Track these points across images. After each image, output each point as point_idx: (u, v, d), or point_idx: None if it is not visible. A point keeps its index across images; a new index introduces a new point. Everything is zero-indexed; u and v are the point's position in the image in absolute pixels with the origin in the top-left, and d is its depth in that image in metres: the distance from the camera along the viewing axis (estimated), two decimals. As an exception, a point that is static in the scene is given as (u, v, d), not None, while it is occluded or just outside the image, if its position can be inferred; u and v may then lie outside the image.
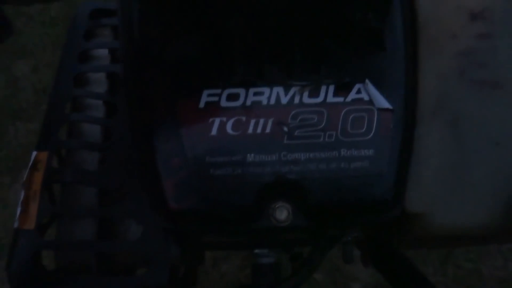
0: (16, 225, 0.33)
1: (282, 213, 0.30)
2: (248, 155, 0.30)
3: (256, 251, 0.42)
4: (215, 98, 0.30)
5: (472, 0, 0.33)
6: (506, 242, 0.38)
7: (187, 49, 0.31)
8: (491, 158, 0.31)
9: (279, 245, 0.42)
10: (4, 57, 1.17)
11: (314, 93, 0.31)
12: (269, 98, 0.30)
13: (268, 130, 0.30)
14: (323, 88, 0.31)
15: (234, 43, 0.30)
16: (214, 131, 0.30)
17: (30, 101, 1.11)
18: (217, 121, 0.30)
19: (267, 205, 0.30)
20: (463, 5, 0.33)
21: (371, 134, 0.30)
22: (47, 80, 1.10)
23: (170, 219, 0.31)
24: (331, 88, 0.31)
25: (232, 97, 0.30)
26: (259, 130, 0.30)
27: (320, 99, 0.31)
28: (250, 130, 0.30)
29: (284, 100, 0.30)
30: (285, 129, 0.30)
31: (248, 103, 0.30)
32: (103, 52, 0.42)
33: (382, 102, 0.30)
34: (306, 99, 0.30)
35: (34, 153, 0.35)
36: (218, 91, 0.30)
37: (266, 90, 0.31)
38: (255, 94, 0.31)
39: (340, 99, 0.31)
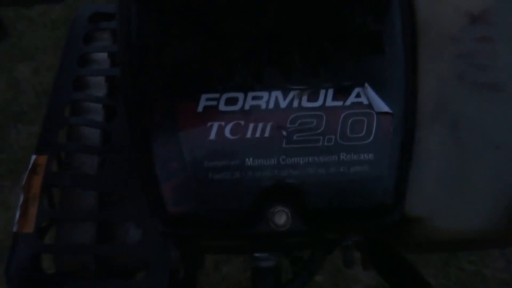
0: (15, 228, 0.33)
1: (281, 217, 0.30)
2: (247, 159, 0.30)
3: (256, 254, 0.42)
4: (214, 102, 0.30)
5: (472, 2, 0.33)
6: (507, 247, 0.38)
7: (185, 53, 0.31)
8: (491, 161, 0.31)
9: (278, 249, 0.42)
10: (5, 60, 1.17)
11: (313, 97, 0.30)
12: (267, 102, 0.30)
13: (267, 134, 0.30)
14: (322, 92, 0.30)
15: (233, 47, 0.30)
16: (212, 135, 0.30)
17: (31, 104, 1.11)
18: (215, 125, 0.30)
19: (266, 209, 0.30)
20: (462, 7, 0.33)
21: (371, 138, 0.30)
22: (48, 82, 1.10)
23: (168, 223, 0.31)
24: (330, 92, 0.30)
25: (230, 101, 0.30)
26: (257, 134, 0.30)
27: (319, 103, 0.30)
28: (249, 134, 0.30)
29: (283, 104, 0.30)
30: (284, 133, 0.30)
31: (247, 107, 0.30)
32: (103, 55, 0.42)
33: (382, 105, 0.30)
34: (305, 103, 0.30)
35: (33, 157, 0.35)
36: (217, 95, 0.30)
37: (265, 94, 0.30)
38: (254, 98, 0.30)
39: (339, 103, 0.30)
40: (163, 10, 0.30)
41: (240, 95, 0.30)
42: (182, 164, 0.30)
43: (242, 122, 0.30)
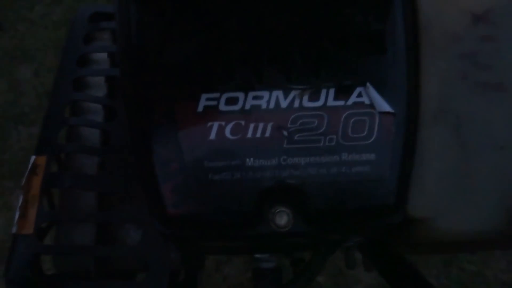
0: (14, 230, 0.33)
1: (282, 218, 0.30)
2: (247, 159, 0.30)
3: (257, 255, 0.41)
4: (214, 102, 0.30)
5: (475, 2, 0.33)
6: (510, 248, 0.38)
7: (185, 52, 0.30)
8: (495, 162, 0.31)
9: (279, 250, 0.42)
10: (6, 61, 1.18)
11: (314, 97, 0.30)
12: (268, 102, 0.30)
13: (267, 134, 0.30)
14: (323, 92, 0.30)
15: (233, 47, 0.30)
16: (212, 135, 0.30)
17: (33, 105, 1.12)
18: (215, 125, 0.30)
19: (266, 210, 0.30)
20: (465, 7, 0.33)
21: (373, 138, 0.30)
22: (49, 84, 1.10)
23: (168, 224, 0.31)
24: (332, 91, 0.30)
25: (231, 101, 0.30)
26: (258, 134, 0.30)
27: (320, 102, 0.30)
28: (249, 134, 0.30)
29: (284, 104, 0.30)
30: (285, 133, 0.30)
31: (247, 107, 0.30)
32: (102, 56, 0.42)
33: (384, 105, 0.30)
34: (306, 103, 0.30)
35: (33, 158, 0.35)
36: (217, 95, 0.30)
37: (266, 94, 0.30)
38: (254, 98, 0.30)
39: (341, 103, 0.30)
40: (162, 10, 0.30)
41: (241, 95, 0.30)
42: (182, 164, 0.30)
43: (243, 122, 0.30)
